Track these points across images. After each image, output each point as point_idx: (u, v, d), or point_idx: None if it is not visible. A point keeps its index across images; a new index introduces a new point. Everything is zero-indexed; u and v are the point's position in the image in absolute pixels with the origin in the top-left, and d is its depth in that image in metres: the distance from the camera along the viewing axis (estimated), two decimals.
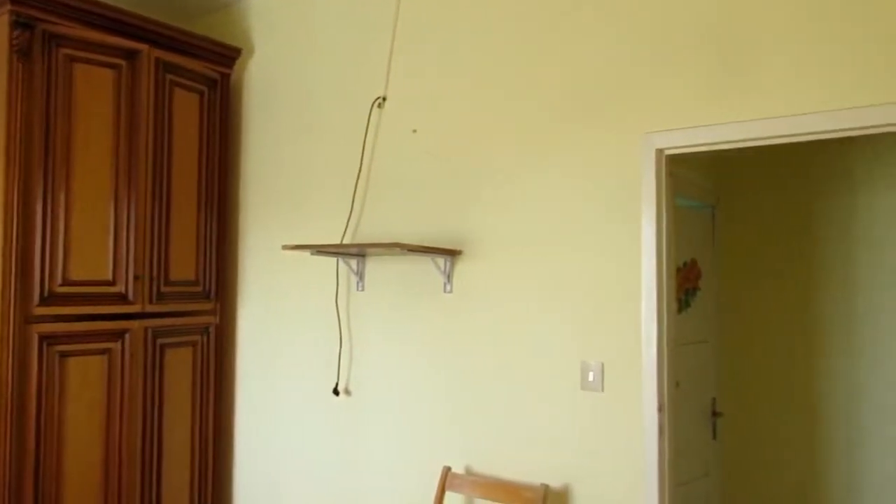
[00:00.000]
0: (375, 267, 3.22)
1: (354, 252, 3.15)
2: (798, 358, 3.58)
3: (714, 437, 3.40)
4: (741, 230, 3.73)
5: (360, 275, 3.25)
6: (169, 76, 3.34)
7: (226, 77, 3.65)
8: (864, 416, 3.39)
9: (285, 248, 3.02)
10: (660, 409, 2.49)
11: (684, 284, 3.17)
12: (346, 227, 3.29)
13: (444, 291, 3.00)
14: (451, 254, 2.95)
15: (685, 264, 3.18)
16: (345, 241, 3.27)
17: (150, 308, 3.25)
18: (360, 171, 3.26)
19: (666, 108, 2.51)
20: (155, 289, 3.27)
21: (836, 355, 3.47)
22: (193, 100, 3.48)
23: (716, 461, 3.46)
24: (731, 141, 2.43)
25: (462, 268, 2.96)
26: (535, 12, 2.81)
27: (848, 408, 3.43)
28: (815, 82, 2.24)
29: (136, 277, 3.17)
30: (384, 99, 3.22)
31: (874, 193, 3.40)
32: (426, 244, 2.97)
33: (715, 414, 3.39)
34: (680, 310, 3.11)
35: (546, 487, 2.63)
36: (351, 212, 3.28)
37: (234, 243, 3.76)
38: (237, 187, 3.78)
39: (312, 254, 3.16)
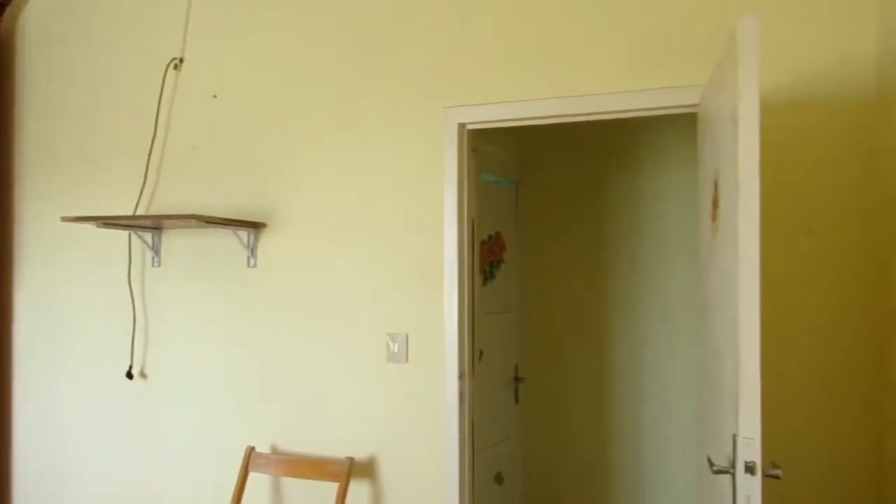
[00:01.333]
0: (173, 241, 3.01)
1: (148, 225, 2.92)
2: (591, 324, 3.86)
3: (516, 401, 3.59)
4: (542, 205, 3.94)
5: (156, 250, 3.02)
6: None
7: None
8: (645, 376, 3.74)
9: (65, 219, 2.73)
10: (461, 377, 2.57)
11: (489, 257, 3.29)
12: (140, 198, 3.04)
13: (248, 266, 2.87)
14: (255, 226, 2.83)
15: (490, 237, 3.30)
16: (138, 213, 3.02)
17: None
18: (154, 137, 3.02)
19: (467, 83, 2.56)
20: None
21: (623, 321, 3.79)
22: None
23: (518, 424, 3.66)
24: (529, 118, 2.54)
25: (267, 241, 2.85)
26: None
27: (631, 369, 3.77)
28: (603, 65, 2.39)
29: None
30: (181, 60, 3.00)
31: (654, 173, 3.73)
32: (229, 216, 2.83)
33: (517, 380, 3.58)
34: (485, 281, 3.23)
35: (351, 460, 2.63)
36: (145, 182, 3.04)
37: (9, 215, 3.34)
38: (11, 152, 3.35)
39: (98, 226, 2.89)
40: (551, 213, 3.93)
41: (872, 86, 2.08)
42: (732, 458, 1.56)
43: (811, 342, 2.14)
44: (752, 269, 1.44)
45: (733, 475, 1.56)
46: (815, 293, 2.14)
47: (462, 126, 2.58)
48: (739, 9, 2.22)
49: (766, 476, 1.52)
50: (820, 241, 2.14)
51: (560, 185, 3.91)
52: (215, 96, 2.94)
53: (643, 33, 2.35)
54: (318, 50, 2.78)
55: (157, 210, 3.03)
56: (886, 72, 1.97)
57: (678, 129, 3.66)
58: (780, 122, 2.16)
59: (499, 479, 3.34)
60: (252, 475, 2.77)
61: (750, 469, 1.50)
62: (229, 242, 2.89)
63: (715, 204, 1.84)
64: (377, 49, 2.69)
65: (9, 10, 3.29)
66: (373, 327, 2.68)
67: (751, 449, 1.49)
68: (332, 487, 2.62)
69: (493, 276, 3.32)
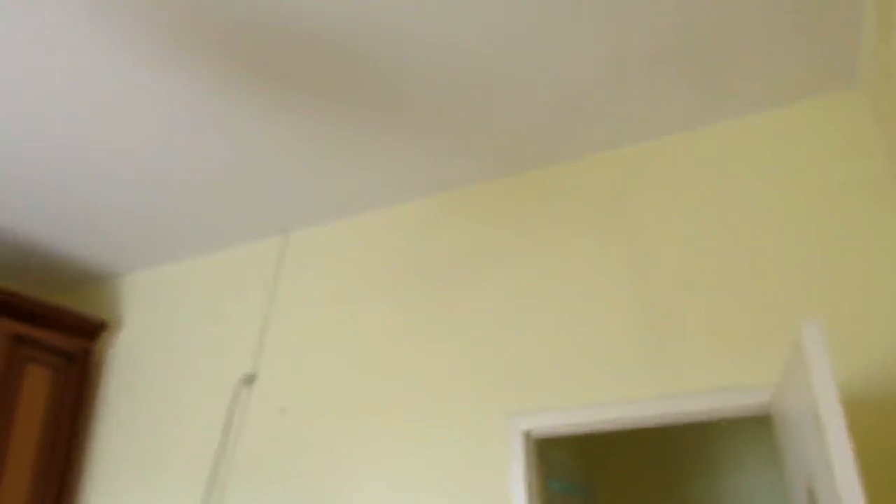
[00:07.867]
0: None
1: None
2: None
3: None
4: None
5: None
6: (23, 349, 3.15)
7: (88, 350, 3.48)
8: None
9: None
10: None
11: None
12: None
13: None
14: None
15: None
16: None
17: None
18: (218, 455, 3.04)
19: (532, 388, 2.57)
20: None
21: None
22: (45, 374, 3.26)
23: None
24: (599, 422, 2.47)
25: None
26: (411, 300, 2.95)
27: None
28: (672, 366, 2.39)
29: None
30: (254, 376, 3.14)
31: (732, 474, 3.50)
32: None
33: None
34: None
35: None
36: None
37: None
38: (83, 462, 3.39)
39: None
40: None
41: None
42: None
43: None
44: None
45: None
46: None
47: (527, 434, 2.53)
48: (807, 308, 2.26)
49: None
50: None
51: (634, 491, 3.68)
52: (284, 410, 3.00)
53: (713, 335, 2.37)
54: (386, 360, 2.88)
55: None
56: None
57: (750, 427, 3.52)
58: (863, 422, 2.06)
59: None
60: None
61: None
62: None
63: None
64: (442, 358, 2.77)
65: (104, 336, 3.59)
66: None
67: None
68: None
69: None
